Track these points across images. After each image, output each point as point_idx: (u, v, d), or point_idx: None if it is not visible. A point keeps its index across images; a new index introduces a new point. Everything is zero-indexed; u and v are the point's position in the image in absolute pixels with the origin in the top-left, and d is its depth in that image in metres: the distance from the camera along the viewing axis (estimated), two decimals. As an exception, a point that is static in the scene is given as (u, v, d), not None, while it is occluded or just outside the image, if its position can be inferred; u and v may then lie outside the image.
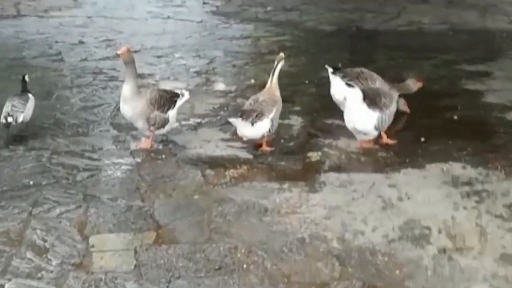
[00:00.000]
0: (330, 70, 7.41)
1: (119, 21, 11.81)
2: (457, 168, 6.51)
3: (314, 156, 6.78)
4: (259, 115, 6.63)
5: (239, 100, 8.06)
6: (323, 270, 4.98)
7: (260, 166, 6.55)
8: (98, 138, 7.12)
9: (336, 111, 7.46)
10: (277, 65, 6.87)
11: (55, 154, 6.70)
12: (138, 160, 6.66)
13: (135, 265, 4.99)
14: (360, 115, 6.71)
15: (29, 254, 5.09)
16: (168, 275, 4.90)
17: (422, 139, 7.05)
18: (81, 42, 10.47)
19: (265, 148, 6.83)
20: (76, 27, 11.37)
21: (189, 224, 5.54)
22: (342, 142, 7.04)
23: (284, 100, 7.11)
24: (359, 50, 10.44)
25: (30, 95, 7.17)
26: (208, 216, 5.65)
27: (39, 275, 4.88)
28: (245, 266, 5.00)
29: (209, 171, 6.41)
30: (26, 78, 7.35)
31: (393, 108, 6.89)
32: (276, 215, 5.69)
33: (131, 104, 6.71)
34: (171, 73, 9.18)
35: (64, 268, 4.95)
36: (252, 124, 6.59)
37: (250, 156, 6.74)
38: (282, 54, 6.97)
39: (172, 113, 6.87)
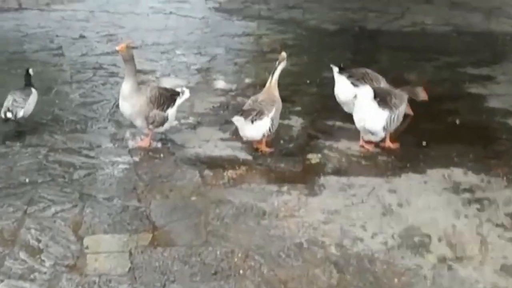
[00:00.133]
0: (335, 69, 7.31)
1: (121, 16, 11.74)
2: (458, 174, 6.43)
3: (314, 158, 6.70)
4: (259, 114, 6.56)
5: (239, 99, 8.00)
6: (320, 277, 4.91)
7: (259, 168, 6.48)
8: (96, 135, 7.05)
9: (337, 112, 7.39)
10: (278, 65, 6.78)
11: (52, 151, 6.63)
12: (136, 158, 6.59)
13: (130, 268, 4.93)
14: (370, 113, 6.60)
15: (22, 255, 5.03)
16: (163, 278, 4.83)
17: (424, 143, 6.98)
18: (82, 37, 10.40)
19: (265, 149, 6.76)
20: (78, 21, 11.31)
21: (186, 226, 5.47)
22: (342, 144, 6.97)
23: (285, 100, 7.04)
24: (361, 50, 10.35)
25: (33, 90, 7.09)
26: (205, 218, 5.58)
27: (31, 276, 4.81)
28: (241, 271, 4.93)
29: (207, 172, 6.33)
30: (30, 71, 7.25)
31: (402, 109, 6.80)
32: (274, 218, 5.62)
33: (130, 102, 6.63)
34: (171, 70, 9.10)
35: (58, 269, 4.89)
36: (252, 122, 6.52)
37: (249, 157, 6.67)
38: (284, 54, 6.87)
39: (171, 112, 6.79)
